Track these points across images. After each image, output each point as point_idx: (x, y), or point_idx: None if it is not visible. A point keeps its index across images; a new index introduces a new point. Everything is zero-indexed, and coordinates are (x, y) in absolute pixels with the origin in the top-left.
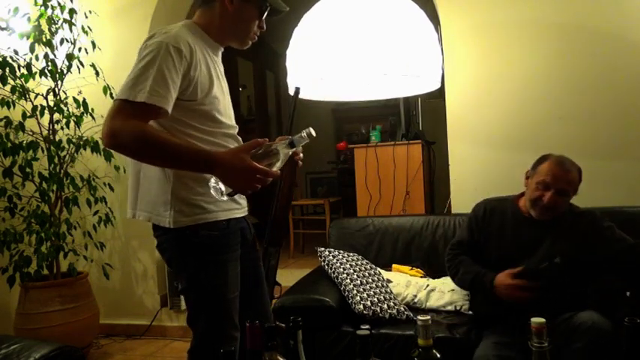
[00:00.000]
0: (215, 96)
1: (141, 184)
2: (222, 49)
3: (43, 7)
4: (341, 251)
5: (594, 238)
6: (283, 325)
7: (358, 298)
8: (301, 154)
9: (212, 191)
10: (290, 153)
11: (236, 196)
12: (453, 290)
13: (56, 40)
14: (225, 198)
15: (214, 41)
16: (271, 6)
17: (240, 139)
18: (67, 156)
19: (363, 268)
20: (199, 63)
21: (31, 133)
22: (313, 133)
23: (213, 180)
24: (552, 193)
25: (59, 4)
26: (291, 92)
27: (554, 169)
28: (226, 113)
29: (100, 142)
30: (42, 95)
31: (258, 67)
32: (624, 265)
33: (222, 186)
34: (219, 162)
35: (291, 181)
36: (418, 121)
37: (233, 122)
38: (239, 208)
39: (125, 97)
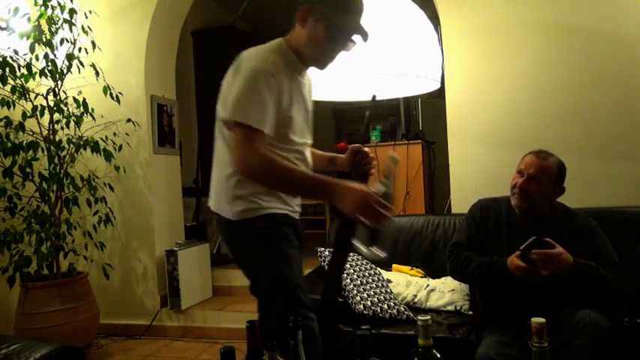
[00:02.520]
0: (290, 116)
1: (218, 179)
2: (307, 68)
3: (43, 7)
4: None
5: (582, 238)
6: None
7: (358, 298)
8: (373, 163)
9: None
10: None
11: (287, 198)
12: (453, 290)
13: (56, 40)
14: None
15: (302, 63)
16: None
17: (307, 153)
18: (67, 156)
19: (363, 268)
20: (285, 89)
21: (31, 133)
22: (396, 156)
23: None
24: (524, 178)
25: (59, 4)
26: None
27: (530, 157)
28: (299, 131)
29: (99, 141)
30: (42, 95)
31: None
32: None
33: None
34: (341, 188)
35: None
36: (418, 120)
37: (305, 139)
38: (291, 208)
39: (243, 120)
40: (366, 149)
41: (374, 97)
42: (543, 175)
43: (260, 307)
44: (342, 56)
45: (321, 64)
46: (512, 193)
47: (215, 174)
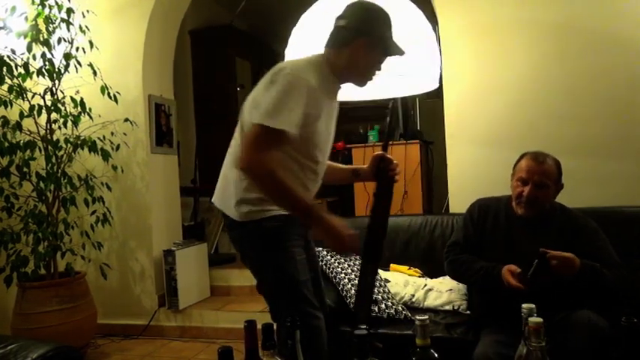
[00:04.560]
0: (317, 131)
1: (230, 179)
2: (340, 87)
3: (40, 7)
4: None
5: (582, 240)
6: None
7: None
8: (398, 169)
9: None
10: None
11: None
12: (450, 290)
13: (54, 40)
14: None
15: (336, 81)
16: (392, 53)
17: (322, 173)
18: (65, 155)
19: None
20: (316, 103)
21: (28, 133)
22: None
23: None
24: (530, 187)
25: (57, 3)
26: None
27: (529, 164)
28: (322, 149)
29: (97, 141)
30: (39, 95)
31: (256, 66)
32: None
33: None
34: (324, 222)
35: (388, 196)
36: (416, 120)
37: (324, 159)
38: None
39: (268, 123)
40: (389, 156)
41: (392, 104)
42: (548, 180)
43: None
44: None
45: (365, 82)
46: (518, 202)
47: (228, 174)
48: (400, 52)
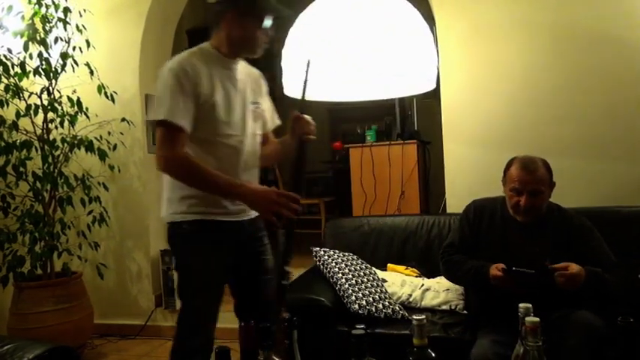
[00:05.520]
0: (214, 103)
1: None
2: (238, 61)
3: (37, 6)
4: (336, 251)
5: (578, 240)
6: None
7: (353, 297)
8: (312, 128)
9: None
10: None
11: (228, 203)
12: (448, 290)
13: (50, 39)
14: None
15: (226, 57)
16: (268, 14)
17: (246, 142)
18: (61, 155)
19: (358, 268)
20: (203, 80)
21: (24, 132)
22: None
23: None
24: (526, 197)
25: (53, 2)
26: (287, 92)
27: (520, 173)
28: (229, 121)
29: (94, 141)
30: (36, 94)
31: (252, 66)
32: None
33: None
34: (246, 190)
35: (302, 156)
36: (413, 121)
37: (237, 132)
38: (223, 210)
39: (158, 117)
40: (307, 117)
41: (309, 61)
42: (542, 185)
43: None
44: (337, 56)
45: (255, 50)
46: (516, 211)
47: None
48: (280, 13)
